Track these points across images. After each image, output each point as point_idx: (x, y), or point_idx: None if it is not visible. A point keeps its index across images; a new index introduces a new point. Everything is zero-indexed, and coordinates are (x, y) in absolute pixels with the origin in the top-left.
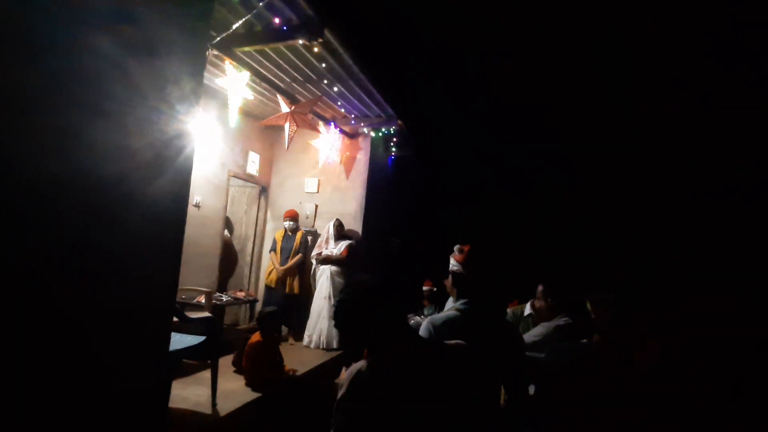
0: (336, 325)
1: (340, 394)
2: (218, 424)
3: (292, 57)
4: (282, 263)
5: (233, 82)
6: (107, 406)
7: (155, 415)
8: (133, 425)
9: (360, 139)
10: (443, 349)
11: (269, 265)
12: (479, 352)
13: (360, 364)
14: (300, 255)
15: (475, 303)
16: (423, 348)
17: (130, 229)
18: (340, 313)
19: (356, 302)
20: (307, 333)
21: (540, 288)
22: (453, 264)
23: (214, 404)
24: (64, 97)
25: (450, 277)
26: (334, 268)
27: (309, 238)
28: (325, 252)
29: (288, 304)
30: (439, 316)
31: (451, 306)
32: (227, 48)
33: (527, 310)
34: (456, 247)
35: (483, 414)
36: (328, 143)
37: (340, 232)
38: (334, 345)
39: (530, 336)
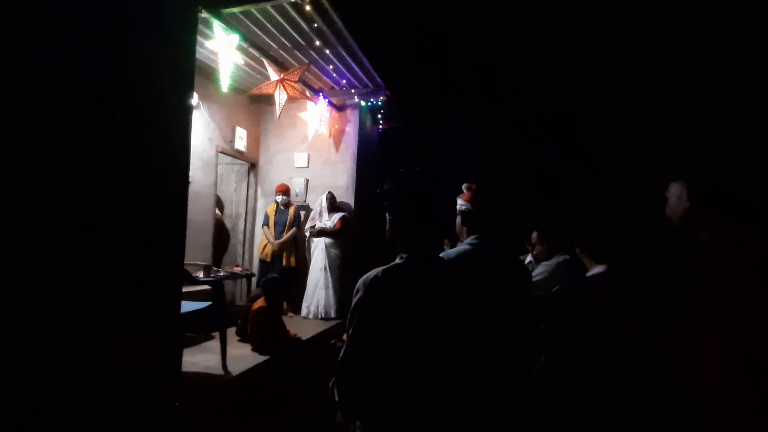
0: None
1: (356, 297)
2: (231, 384)
3: (281, 20)
4: (276, 237)
5: (223, 44)
6: (127, 365)
7: (170, 372)
8: (149, 383)
9: (348, 111)
10: (456, 269)
11: (262, 240)
12: (490, 280)
13: (376, 270)
14: (294, 228)
15: (486, 238)
16: (437, 262)
17: (141, 198)
18: (389, 191)
19: (406, 191)
20: (305, 304)
21: (534, 234)
22: (461, 204)
23: (224, 366)
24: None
25: (459, 217)
26: (328, 240)
27: (302, 213)
28: (319, 225)
29: (285, 278)
30: (453, 251)
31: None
32: (215, 9)
33: (528, 258)
34: (464, 186)
35: (489, 339)
36: (316, 115)
37: (333, 205)
38: (332, 314)
39: (534, 275)
